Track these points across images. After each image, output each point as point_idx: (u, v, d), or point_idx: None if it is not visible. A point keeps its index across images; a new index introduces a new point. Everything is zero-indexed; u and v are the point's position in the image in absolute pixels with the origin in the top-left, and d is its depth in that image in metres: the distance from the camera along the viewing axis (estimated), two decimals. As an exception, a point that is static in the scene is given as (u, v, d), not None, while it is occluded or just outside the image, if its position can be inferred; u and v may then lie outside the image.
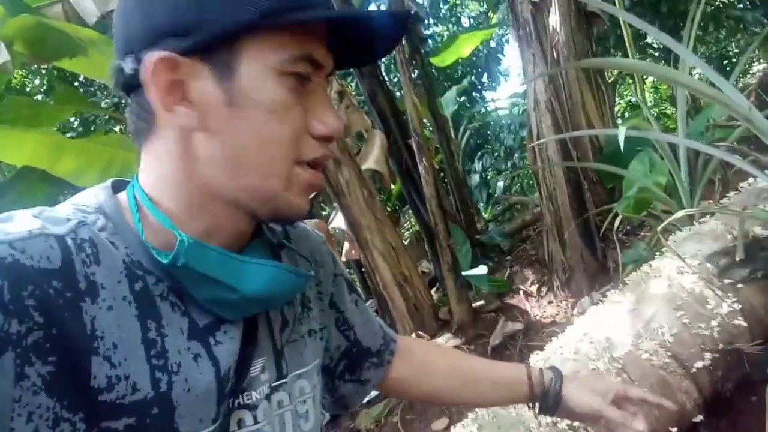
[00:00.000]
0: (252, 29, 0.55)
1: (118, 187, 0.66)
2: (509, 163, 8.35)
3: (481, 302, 2.94)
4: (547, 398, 0.95)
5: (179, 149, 0.60)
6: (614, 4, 2.90)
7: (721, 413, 1.61)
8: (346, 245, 3.61)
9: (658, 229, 1.56)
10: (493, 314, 2.84)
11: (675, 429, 1.48)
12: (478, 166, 8.54)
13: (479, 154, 8.73)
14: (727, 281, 1.59)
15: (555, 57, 2.76)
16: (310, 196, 0.69)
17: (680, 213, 1.58)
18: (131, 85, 0.59)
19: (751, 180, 1.96)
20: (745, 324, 1.54)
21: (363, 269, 3.67)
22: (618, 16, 2.07)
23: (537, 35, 2.63)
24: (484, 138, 9.07)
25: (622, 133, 1.51)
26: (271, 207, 0.62)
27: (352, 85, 5.99)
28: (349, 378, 0.90)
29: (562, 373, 0.98)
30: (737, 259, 1.61)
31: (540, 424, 1.46)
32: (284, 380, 0.70)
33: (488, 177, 8.60)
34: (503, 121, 8.51)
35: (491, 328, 2.73)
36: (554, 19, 2.82)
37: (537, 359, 1.67)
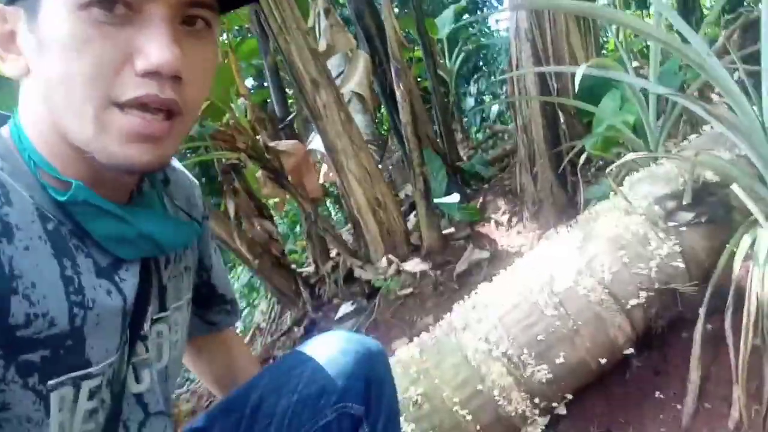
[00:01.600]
0: None
1: None
2: (505, 88, 8.20)
3: (452, 229, 3.00)
4: None
5: (24, 96, 0.62)
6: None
7: (653, 347, 1.70)
8: (324, 168, 3.63)
9: (608, 170, 1.59)
10: (463, 242, 2.90)
11: (604, 360, 1.57)
12: (473, 89, 8.40)
13: (475, 77, 8.55)
14: (671, 224, 1.64)
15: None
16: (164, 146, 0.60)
17: (629, 156, 1.60)
18: None
19: (710, 126, 1.97)
20: (683, 266, 1.60)
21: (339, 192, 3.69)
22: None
23: (523, -41, 2.53)
24: (484, 60, 8.86)
25: (579, 73, 1.50)
26: (94, 155, 0.58)
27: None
28: (195, 311, 0.91)
29: None
30: (684, 202, 1.64)
31: (477, 350, 1.55)
32: (166, 313, 0.75)
33: (483, 101, 8.47)
34: (500, 44, 8.27)
35: (459, 255, 2.80)
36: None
37: (483, 288, 1.74)
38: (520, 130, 2.75)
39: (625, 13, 1.43)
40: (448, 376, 1.53)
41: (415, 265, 2.76)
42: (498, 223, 2.99)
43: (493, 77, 8.49)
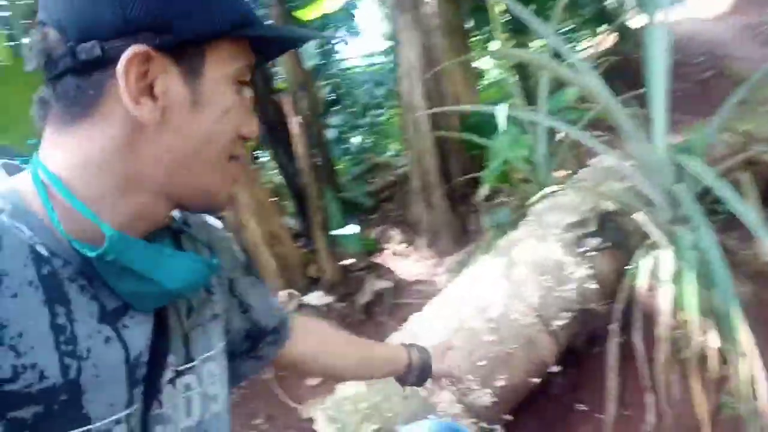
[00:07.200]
0: (219, 37, 0.60)
1: (7, 169, 0.64)
2: (366, 120, 8.48)
3: (351, 260, 3.02)
4: (423, 373, 1.08)
5: (123, 138, 0.59)
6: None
7: (570, 363, 1.85)
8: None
9: (532, 200, 1.72)
10: (362, 272, 2.93)
11: (537, 379, 1.69)
12: (333, 121, 8.55)
13: (334, 109, 8.73)
14: (582, 249, 1.81)
15: (428, 26, 2.84)
16: None
17: (546, 190, 1.74)
18: (79, 68, 0.57)
19: (597, 158, 2.22)
20: (596, 287, 1.77)
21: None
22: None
23: (412, 3, 2.68)
24: (338, 94, 9.07)
25: (501, 111, 1.62)
26: (207, 199, 0.66)
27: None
28: (249, 356, 0.92)
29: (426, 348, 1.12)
30: (591, 230, 1.83)
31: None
32: (192, 364, 0.71)
33: (344, 133, 8.65)
34: (360, 79, 8.56)
35: (360, 286, 2.83)
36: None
37: (419, 318, 1.78)
38: (414, 162, 2.87)
39: (556, 64, 1.57)
40: (399, 408, 1.55)
41: (318, 298, 2.74)
42: (394, 253, 3.07)
43: (353, 110, 8.76)
